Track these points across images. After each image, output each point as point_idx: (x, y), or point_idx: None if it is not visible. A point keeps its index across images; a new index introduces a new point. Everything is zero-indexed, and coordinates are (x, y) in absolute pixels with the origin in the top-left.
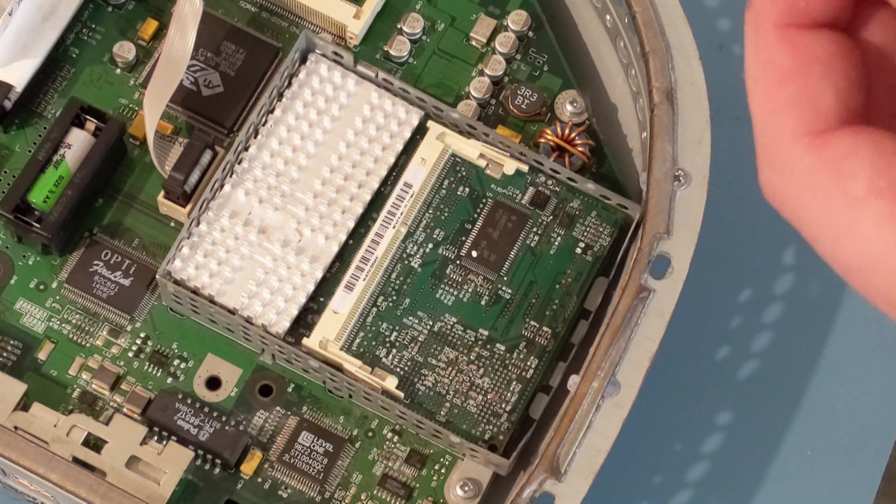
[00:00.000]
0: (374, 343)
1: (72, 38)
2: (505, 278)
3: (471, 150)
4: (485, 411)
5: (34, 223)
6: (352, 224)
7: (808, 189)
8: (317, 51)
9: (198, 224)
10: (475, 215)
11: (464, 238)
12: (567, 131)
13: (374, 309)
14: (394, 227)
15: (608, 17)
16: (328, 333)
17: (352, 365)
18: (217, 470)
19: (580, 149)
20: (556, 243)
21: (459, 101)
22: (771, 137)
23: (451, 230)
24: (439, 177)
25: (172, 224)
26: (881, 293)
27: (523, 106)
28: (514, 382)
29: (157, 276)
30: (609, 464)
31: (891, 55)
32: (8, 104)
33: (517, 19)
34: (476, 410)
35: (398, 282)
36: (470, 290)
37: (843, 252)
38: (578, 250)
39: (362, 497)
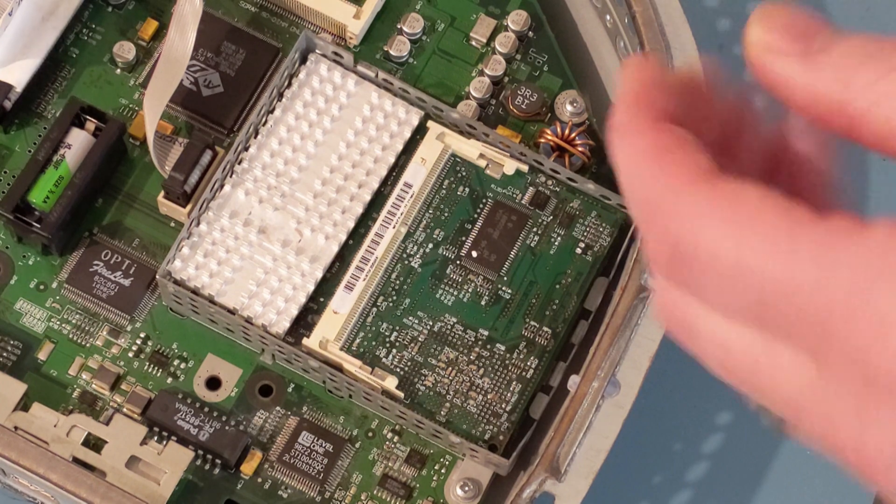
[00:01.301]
0: (374, 343)
1: (72, 38)
2: (505, 278)
3: (471, 150)
4: (485, 411)
5: (34, 223)
6: (352, 224)
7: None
8: (317, 51)
9: (198, 224)
10: (475, 215)
11: (464, 238)
12: (567, 131)
13: (374, 309)
14: (394, 227)
15: (608, 17)
16: (328, 333)
17: (352, 365)
18: (217, 470)
19: (580, 149)
20: (556, 243)
21: (459, 101)
22: (666, 192)
23: (451, 230)
24: (439, 177)
25: (172, 224)
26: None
27: (523, 106)
28: (514, 382)
29: (157, 276)
30: (609, 464)
31: None
32: (8, 104)
33: (517, 19)
34: (476, 410)
35: (398, 282)
36: (470, 290)
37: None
38: (578, 250)
39: (362, 497)
